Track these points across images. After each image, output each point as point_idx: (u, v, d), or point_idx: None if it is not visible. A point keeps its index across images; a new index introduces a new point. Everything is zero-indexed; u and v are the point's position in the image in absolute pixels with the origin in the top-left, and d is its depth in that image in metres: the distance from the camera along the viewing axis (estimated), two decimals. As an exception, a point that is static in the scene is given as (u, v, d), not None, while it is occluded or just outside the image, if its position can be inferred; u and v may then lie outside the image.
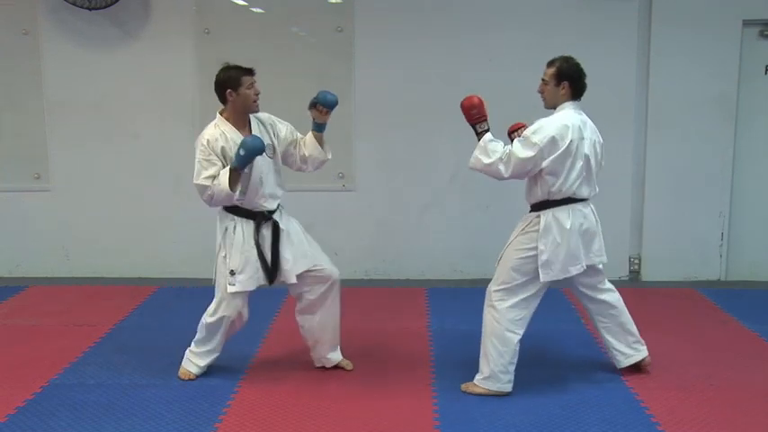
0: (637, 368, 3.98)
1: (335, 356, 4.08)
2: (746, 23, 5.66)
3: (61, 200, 6.02)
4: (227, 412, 3.59)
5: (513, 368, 3.73)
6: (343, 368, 4.09)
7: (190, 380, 3.96)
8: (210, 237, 6.00)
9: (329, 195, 5.83)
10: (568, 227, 3.62)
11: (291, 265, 3.85)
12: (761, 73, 5.79)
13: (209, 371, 4.04)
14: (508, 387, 3.74)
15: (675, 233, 5.91)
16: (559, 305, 4.61)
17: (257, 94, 3.80)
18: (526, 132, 3.60)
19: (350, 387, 3.88)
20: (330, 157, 4.03)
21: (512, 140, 3.79)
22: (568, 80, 3.67)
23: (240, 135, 3.74)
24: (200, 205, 5.94)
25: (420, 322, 4.93)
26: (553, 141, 3.53)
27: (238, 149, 3.61)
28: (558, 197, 3.63)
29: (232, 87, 3.75)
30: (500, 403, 3.67)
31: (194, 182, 3.73)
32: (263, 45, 5.82)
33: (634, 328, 3.95)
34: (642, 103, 5.79)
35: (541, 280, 3.66)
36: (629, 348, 3.94)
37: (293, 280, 3.86)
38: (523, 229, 3.71)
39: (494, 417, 3.53)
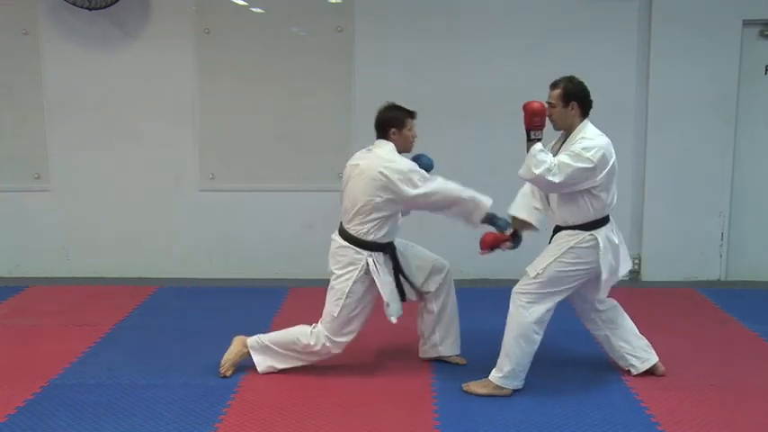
0: (651, 373, 3.96)
1: (451, 350, 4.17)
2: (746, 23, 5.67)
3: (61, 200, 6.02)
4: (227, 412, 3.58)
5: (528, 367, 3.78)
6: (455, 363, 4.18)
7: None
8: (210, 237, 6.03)
9: (329, 195, 5.79)
10: (617, 242, 3.74)
11: (419, 280, 4.06)
12: (761, 73, 5.79)
13: (209, 371, 4.04)
14: (520, 385, 3.78)
15: (675, 233, 5.91)
16: (559, 305, 4.59)
17: (415, 137, 4.00)
18: (573, 149, 3.57)
19: (350, 387, 3.88)
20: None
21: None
22: (576, 100, 3.65)
23: None
24: (199, 205, 6.01)
25: (420, 322, 4.92)
26: (604, 157, 3.57)
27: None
28: (605, 214, 3.70)
29: (397, 127, 3.91)
30: (500, 403, 3.67)
31: (432, 195, 3.96)
32: (263, 45, 5.83)
33: (640, 334, 3.98)
34: (642, 102, 5.79)
35: (601, 296, 3.80)
36: (642, 352, 3.96)
37: (430, 289, 4.09)
38: (576, 245, 3.69)
39: (494, 417, 3.53)
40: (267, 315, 5.01)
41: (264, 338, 4.01)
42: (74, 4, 5.58)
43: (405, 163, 3.84)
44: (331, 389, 3.85)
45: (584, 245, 3.68)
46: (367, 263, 3.84)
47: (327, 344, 3.90)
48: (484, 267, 5.93)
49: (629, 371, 3.98)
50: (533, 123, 3.59)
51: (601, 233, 3.68)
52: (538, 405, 3.65)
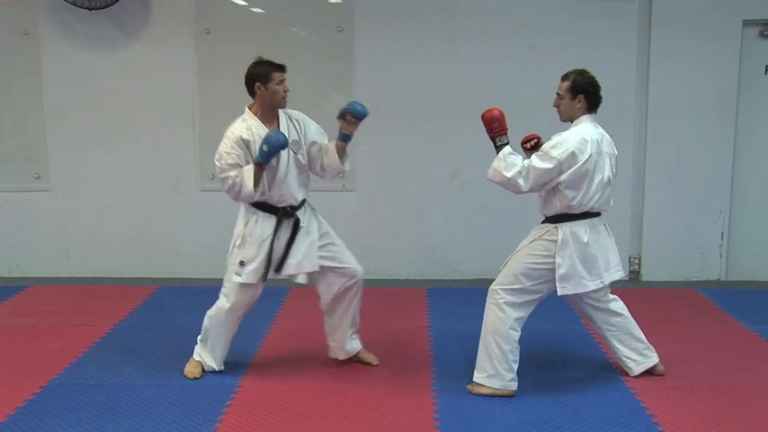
0: (649, 374, 3.96)
1: (353, 346, 4.11)
2: (746, 23, 5.67)
3: (61, 200, 6.02)
4: (227, 412, 3.58)
5: (516, 366, 3.74)
6: (364, 362, 4.12)
7: (195, 378, 3.97)
8: (210, 237, 6.03)
9: (329, 195, 5.82)
10: (586, 240, 3.67)
11: (298, 261, 3.86)
12: (761, 73, 5.79)
13: (209, 371, 4.04)
14: (513, 385, 3.74)
15: (675, 233, 5.91)
16: (559, 305, 4.60)
17: (286, 91, 3.83)
18: (545, 146, 3.62)
19: (350, 386, 3.88)
20: (347, 168, 4.01)
21: (524, 150, 3.83)
22: (584, 93, 3.67)
23: (266, 129, 3.76)
24: (199, 205, 6.01)
25: (420, 322, 4.93)
26: (572, 156, 3.56)
27: (261, 144, 3.64)
28: (577, 211, 3.67)
29: (261, 82, 3.78)
30: (500, 403, 3.67)
31: (218, 174, 3.74)
32: (263, 45, 5.80)
33: (642, 335, 3.96)
34: (642, 102, 5.80)
35: (559, 294, 3.71)
36: (639, 355, 3.94)
37: (301, 279, 3.90)
38: (539, 237, 3.72)
39: (493, 416, 3.54)
40: (267, 315, 5.01)
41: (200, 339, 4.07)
42: (74, 4, 5.59)
43: (223, 142, 3.74)
44: (331, 389, 3.85)
45: (546, 237, 3.70)
46: (248, 220, 3.81)
47: (229, 294, 3.90)
48: (484, 267, 5.94)
49: (627, 370, 3.98)
50: (494, 131, 3.66)
51: (564, 227, 3.66)
52: (538, 405, 3.65)
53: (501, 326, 3.70)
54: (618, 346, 3.94)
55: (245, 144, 3.73)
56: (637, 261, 5.96)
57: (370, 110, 3.86)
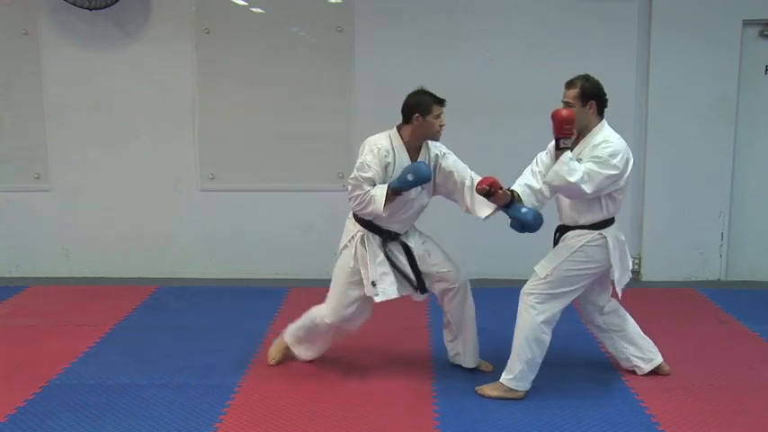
0: (655, 372, 3.96)
1: (469, 361, 4.09)
2: (746, 23, 5.66)
3: (61, 200, 6.02)
4: (227, 412, 3.58)
5: (538, 369, 3.76)
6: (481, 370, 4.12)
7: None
8: (210, 237, 6.03)
9: (329, 195, 5.82)
10: (623, 239, 3.77)
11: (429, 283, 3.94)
12: (761, 73, 5.79)
13: (209, 371, 4.04)
14: (528, 386, 3.76)
15: (675, 233, 5.91)
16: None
17: (442, 126, 3.80)
18: (600, 155, 3.55)
19: (350, 386, 3.88)
20: (482, 217, 3.87)
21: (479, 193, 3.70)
22: (594, 98, 3.63)
23: (408, 160, 3.77)
24: (199, 205, 6.00)
25: (420, 322, 4.93)
26: (627, 162, 3.60)
27: (406, 173, 3.65)
28: (614, 215, 3.73)
29: (421, 113, 3.75)
30: (500, 403, 3.67)
31: (352, 180, 3.74)
32: (263, 45, 5.83)
33: (644, 335, 3.99)
34: (642, 102, 5.79)
35: (620, 294, 3.81)
36: (647, 353, 3.96)
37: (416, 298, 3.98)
38: (585, 245, 3.69)
39: (494, 416, 3.54)
40: (267, 315, 5.01)
41: (292, 327, 4.10)
42: (74, 4, 5.59)
43: (365, 152, 3.74)
44: (331, 389, 3.85)
45: (593, 244, 3.69)
46: (363, 235, 3.81)
47: (326, 320, 3.92)
48: (484, 267, 5.94)
49: (633, 371, 3.98)
50: (563, 131, 3.55)
51: (609, 232, 3.69)
52: (538, 405, 3.65)
53: (537, 330, 3.69)
54: (627, 345, 3.95)
55: (384, 164, 3.73)
56: (637, 261, 5.96)
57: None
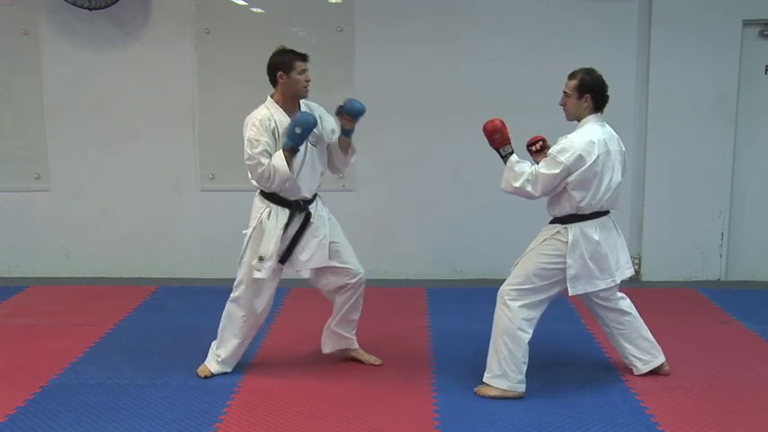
0: (654, 374, 3.96)
1: (343, 344, 4.12)
2: (746, 23, 5.67)
3: (61, 200, 6.02)
4: (227, 412, 3.58)
5: (524, 368, 3.73)
6: (361, 361, 4.14)
7: (206, 377, 3.99)
8: (210, 237, 6.03)
9: (329, 195, 5.75)
10: (597, 239, 3.68)
11: (309, 257, 3.88)
12: (761, 73, 5.79)
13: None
14: (521, 387, 3.73)
15: (675, 233, 5.91)
16: (559, 305, 4.59)
17: (308, 81, 3.83)
18: (552, 151, 3.62)
19: (350, 387, 3.88)
20: (352, 160, 4.06)
21: (530, 153, 3.84)
22: (591, 93, 3.66)
23: (288, 118, 3.76)
24: (199, 205, 6.00)
25: (420, 322, 4.93)
26: (580, 158, 3.57)
27: (293, 127, 3.66)
28: (587, 211, 3.68)
29: (284, 71, 3.78)
30: (500, 403, 3.67)
31: (247, 161, 3.76)
32: (263, 45, 5.76)
33: (649, 334, 3.96)
34: (642, 102, 5.80)
35: (570, 294, 3.72)
36: (646, 354, 3.95)
37: (305, 274, 3.94)
38: (551, 237, 3.72)
39: (493, 416, 3.54)
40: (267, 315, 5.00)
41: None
42: (74, 4, 5.59)
43: (247, 130, 3.80)
44: (331, 389, 3.85)
45: (557, 237, 3.70)
46: (262, 213, 3.84)
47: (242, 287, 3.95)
48: (484, 267, 5.94)
49: (631, 370, 3.98)
50: (496, 142, 3.68)
51: (574, 227, 3.67)
52: (538, 405, 3.65)
53: (510, 326, 3.70)
54: (625, 344, 3.94)
55: (271, 131, 3.74)
56: (637, 261, 5.96)
57: (366, 106, 3.85)
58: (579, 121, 3.71)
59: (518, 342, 3.70)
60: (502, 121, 3.70)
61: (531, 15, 5.73)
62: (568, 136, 3.65)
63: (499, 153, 3.70)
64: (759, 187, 5.91)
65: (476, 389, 3.80)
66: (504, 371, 3.70)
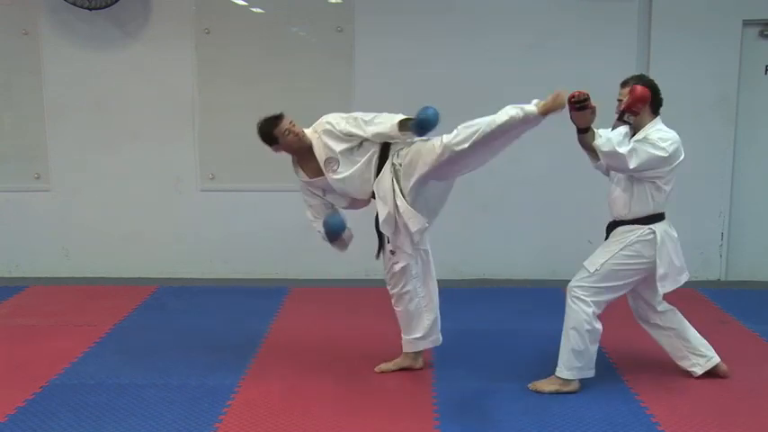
0: (712, 374, 3.95)
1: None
2: (746, 23, 5.67)
3: (61, 200, 6.02)
4: (227, 412, 3.58)
5: (594, 360, 3.77)
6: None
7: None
8: (210, 237, 6.03)
9: (329, 195, 5.83)
10: (675, 236, 3.77)
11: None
12: (761, 73, 5.79)
13: (209, 371, 4.04)
14: (592, 373, 3.79)
15: (675, 233, 5.89)
16: (559, 305, 4.59)
17: (291, 131, 3.86)
18: (651, 138, 3.60)
19: (350, 387, 3.88)
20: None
21: (570, 105, 3.65)
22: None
23: (302, 172, 4.00)
24: (199, 205, 6.00)
25: (420, 322, 4.92)
26: (677, 151, 3.62)
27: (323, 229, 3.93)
28: (663, 209, 3.74)
29: (271, 143, 3.92)
30: (500, 403, 3.67)
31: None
32: (263, 45, 5.83)
33: (699, 335, 3.99)
34: (642, 103, 5.79)
35: (660, 293, 3.77)
36: (706, 350, 3.96)
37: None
38: (636, 240, 3.72)
39: (493, 416, 3.53)
40: (267, 315, 5.01)
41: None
42: (74, 4, 5.59)
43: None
44: (331, 389, 3.85)
45: (642, 239, 3.71)
46: None
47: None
48: (484, 267, 5.94)
49: (689, 372, 3.96)
50: (633, 108, 3.59)
51: (659, 227, 3.71)
52: (538, 405, 3.65)
53: (582, 322, 3.70)
54: (684, 344, 3.95)
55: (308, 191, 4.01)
56: (637, 261, 5.96)
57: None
58: (639, 127, 3.67)
59: (591, 334, 3.72)
60: (650, 95, 3.63)
61: (531, 15, 5.73)
62: (662, 128, 3.65)
63: (622, 116, 3.61)
64: (759, 187, 5.91)
65: (530, 385, 3.80)
66: (573, 362, 3.73)
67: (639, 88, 3.59)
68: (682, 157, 3.65)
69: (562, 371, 3.76)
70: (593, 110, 3.61)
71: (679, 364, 4.01)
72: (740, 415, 3.55)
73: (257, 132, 3.93)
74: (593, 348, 3.76)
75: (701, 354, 3.95)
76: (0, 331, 4.78)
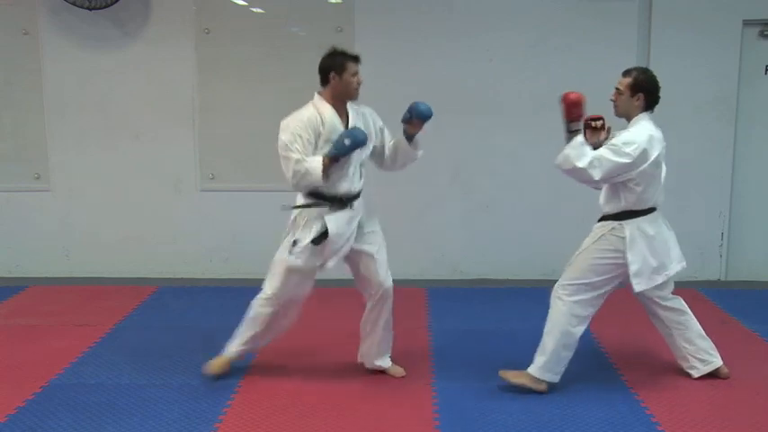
0: (714, 376, 3.95)
1: (382, 363, 4.04)
2: (746, 23, 5.67)
3: (61, 200, 6.02)
4: (227, 412, 3.59)
5: (566, 364, 3.76)
6: (390, 374, 4.04)
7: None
8: (210, 237, 6.04)
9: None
10: (652, 234, 3.72)
11: (337, 247, 3.82)
12: (761, 73, 5.79)
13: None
14: (556, 378, 3.77)
15: (675, 233, 5.88)
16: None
17: (359, 83, 3.80)
18: (615, 142, 3.58)
19: (350, 387, 3.88)
20: (420, 154, 4.02)
21: (588, 128, 3.73)
22: (644, 92, 3.66)
23: (338, 119, 3.75)
24: (199, 205, 6.00)
25: (420, 322, 4.93)
26: (644, 153, 3.57)
27: (342, 138, 3.63)
28: (642, 207, 3.70)
29: (336, 71, 3.75)
30: (500, 403, 3.67)
31: (283, 153, 3.75)
32: (263, 45, 5.82)
33: (705, 335, 3.97)
34: (642, 102, 5.79)
35: (635, 291, 3.73)
36: (706, 354, 3.95)
37: (330, 263, 3.85)
38: (608, 233, 3.72)
39: (493, 417, 3.54)
40: (267, 315, 5.00)
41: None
42: (74, 4, 5.59)
43: (284, 132, 3.78)
44: (331, 389, 3.86)
45: (614, 234, 3.71)
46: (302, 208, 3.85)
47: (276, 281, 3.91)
48: (484, 267, 5.94)
49: (688, 373, 3.96)
50: (572, 115, 3.57)
51: (630, 223, 3.69)
52: (537, 404, 3.65)
53: (562, 321, 3.71)
54: (686, 345, 3.94)
55: (315, 130, 3.71)
56: (637, 261, 5.96)
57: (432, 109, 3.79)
58: (628, 119, 3.70)
59: (567, 336, 3.71)
60: (583, 97, 3.61)
61: (531, 15, 5.73)
62: (630, 131, 3.63)
63: (569, 128, 3.59)
64: (759, 187, 5.91)
65: (501, 372, 3.81)
66: (548, 363, 3.72)
67: (569, 95, 3.58)
68: (652, 158, 3.59)
69: (535, 369, 3.76)
70: (609, 129, 3.68)
71: (679, 363, 4.01)
72: (740, 415, 3.55)
73: (328, 56, 3.79)
74: (567, 351, 3.74)
75: (701, 358, 3.95)
76: (0, 331, 4.78)
